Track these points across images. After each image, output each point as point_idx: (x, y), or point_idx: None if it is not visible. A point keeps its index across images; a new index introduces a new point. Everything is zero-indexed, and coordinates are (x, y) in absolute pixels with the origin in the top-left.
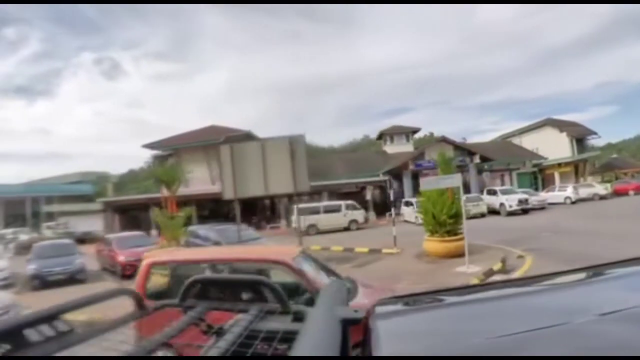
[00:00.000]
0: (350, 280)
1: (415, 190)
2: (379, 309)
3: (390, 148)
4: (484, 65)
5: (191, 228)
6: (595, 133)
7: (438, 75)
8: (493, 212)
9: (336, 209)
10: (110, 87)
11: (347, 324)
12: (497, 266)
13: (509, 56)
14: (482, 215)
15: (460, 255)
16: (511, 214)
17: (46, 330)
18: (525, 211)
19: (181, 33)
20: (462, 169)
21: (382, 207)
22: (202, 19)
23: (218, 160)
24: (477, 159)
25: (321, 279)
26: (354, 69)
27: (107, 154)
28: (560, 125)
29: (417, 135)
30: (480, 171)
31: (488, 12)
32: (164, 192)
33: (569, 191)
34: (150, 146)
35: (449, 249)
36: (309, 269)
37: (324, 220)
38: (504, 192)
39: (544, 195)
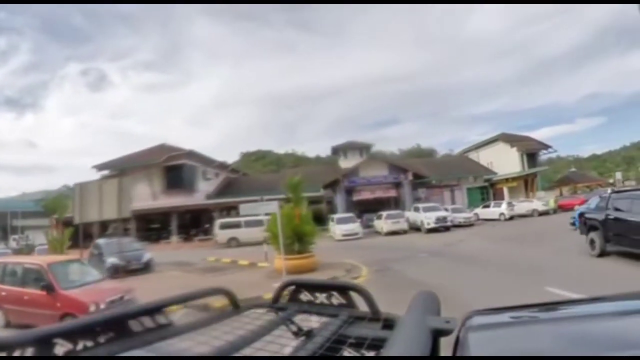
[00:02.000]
0: None
1: (349, 206)
2: (471, 321)
3: (344, 163)
4: (475, 77)
5: (98, 241)
6: (548, 147)
7: (428, 87)
8: (417, 229)
9: (257, 224)
10: (96, 98)
11: (438, 335)
12: None
13: (499, 68)
14: (404, 232)
15: (311, 270)
16: (432, 230)
17: (147, 322)
18: (447, 228)
19: (171, 43)
20: (396, 185)
21: (317, 222)
22: (192, 29)
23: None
24: (410, 176)
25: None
26: (345, 80)
27: (90, 166)
28: (512, 140)
29: (404, 147)
30: (415, 187)
31: (479, 23)
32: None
33: (503, 207)
34: (99, 167)
35: (296, 266)
36: (59, 271)
37: (244, 234)
38: (426, 210)
39: (480, 212)
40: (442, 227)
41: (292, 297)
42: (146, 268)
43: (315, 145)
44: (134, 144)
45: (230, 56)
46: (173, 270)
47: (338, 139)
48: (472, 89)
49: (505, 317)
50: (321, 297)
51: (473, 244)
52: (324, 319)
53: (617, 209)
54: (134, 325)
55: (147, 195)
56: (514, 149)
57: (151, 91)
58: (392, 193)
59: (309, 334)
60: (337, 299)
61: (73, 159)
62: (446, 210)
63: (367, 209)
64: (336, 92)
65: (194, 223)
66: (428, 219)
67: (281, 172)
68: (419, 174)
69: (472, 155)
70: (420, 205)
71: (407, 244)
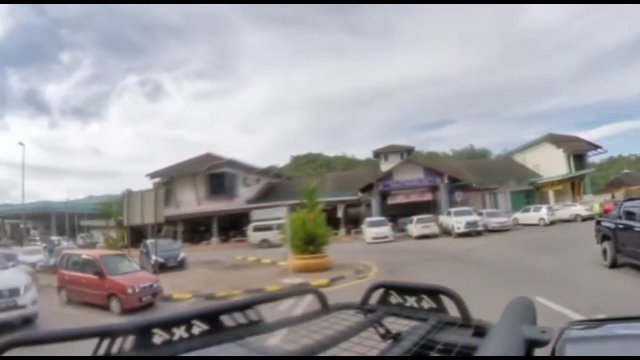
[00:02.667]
0: None
1: (383, 210)
2: (568, 333)
3: (385, 166)
4: (529, 74)
5: (146, 241)
6: (598, 147)
7: (481, 86)
8: (450, 233)
9: None
10: (153, 108)
11: (532, 346)
12: (324, 281)
13: (554, 64)
14: (435, 236)
15: (324, 269)
16: (462, 235)
17: (239, 317)
18: (478, 233)
19: (221, 52)
20: (433, 189)
21: (355, 225)
22: (241, 37)
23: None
24: (446, 180)
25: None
26: (394, 82)
27: (150, 171)
28: (558, 141)
29: (458, 148)
30: (452, 191)
31: (532, 18)
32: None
33: (543, 212)
34: (151, 175)
35: (309, 265)
36: (108, 261)
37: (275, 236)
38: (457, 214)
39: (520, 216)
40: (473, 232)
41: (382, 300)
42: (180, 265)
43: (365, 148)
44: (188, 151)
45: (279, 62)
46: (201, 268)
47: (389, 141)
48: (526, 86)
49: (603, 330)
50: (411, 300)
51: (493, 250)
52: (413, 323)
53: (628, 217)
54: (226, 320)
55: (192, 201)
56: (560, 150)
57: (203, 100)
58: (427, 197)
59: (397, 337)
60: (427, 302)
61: (133, 165)
62: (480, 214)
63: (402, 213)
64: (386, 93)
65: (234, 226)
66: (458, 223)
67: (324, 175)
68: (455, 177)
69: (519, 158)
70: (453, 210)
71: (430, 248)
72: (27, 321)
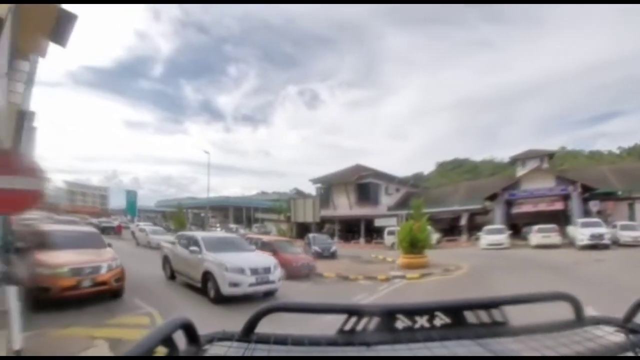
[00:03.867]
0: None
1: (507, 219)
2: None
3: (522, 173)
4: None
5: (308, 235)
6: None
7: None
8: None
9: None
10: (312, 115)
11: None
12: (416, 275)
13: None
14: (556, 247)
15: (422, 267)
16: (586, 247)
17: (483, 315)
18: (606, 246)
19: (368, 58)
20: (564, 198)
21: (479, 231)
22: (384, 43)
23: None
24: (579, 188)
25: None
26: (547, 72)
27: (312, 174)
28: None
29: (627, 145)
30: (587, 200)
31: None
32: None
33: None
34: (313, 180)
35: (412, 263)
36: (279, 244)
37: None
38: (584, 225)
39: None
40: (600, 245)
41: None
42: (332, 256)
43: (517, 150)
44: (343, 156)
45: (424, 63)
46: (345, 260)
47: (543, 140)
48: None
49: None
50: None
51: (604, 266)
52: None
53: None
54: (469, 316)
55: (345, 205)
56: None
57: (355, 107)
58: (557, 206)
59: None
60: None
61: (298, 166)
62: (614, 226)
63: (529, 222)
64: (539, 87)
65: (377, 229)
66: (582, 235)
67: (457, 185)
68: (590, 186)
69: None
70: (580, 220)
71: (538, 257)
72: (269, 294)
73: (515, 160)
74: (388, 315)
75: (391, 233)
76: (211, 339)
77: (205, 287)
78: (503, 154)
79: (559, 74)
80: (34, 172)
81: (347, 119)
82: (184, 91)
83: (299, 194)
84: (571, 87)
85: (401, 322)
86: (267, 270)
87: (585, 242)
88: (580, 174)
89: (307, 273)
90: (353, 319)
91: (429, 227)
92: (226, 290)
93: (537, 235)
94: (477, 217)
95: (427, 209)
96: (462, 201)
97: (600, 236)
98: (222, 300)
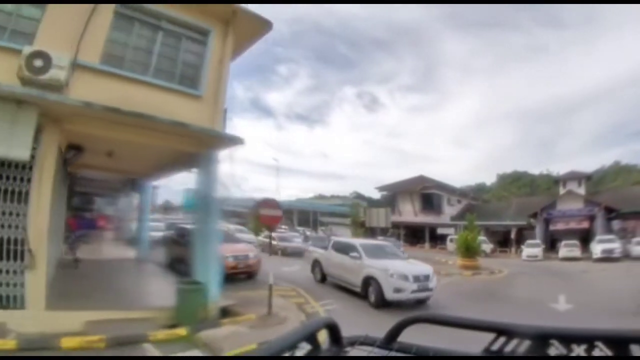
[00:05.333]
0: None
1: (546, 234)
2: None
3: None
4: None
5: (378, 237)
6: None
7: None
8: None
9: None
10: (373, 118)
11: None
12: (468, 274)
13: None
14: (577, 259)
15: (474, 269)
16: (600, 260)
17: None
18: (617, 259)
19: (427, 63)
20: (590, 218)
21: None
22: (443, 47)
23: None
24: (603, 209)
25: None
26: (611, 79)
27: (372, 177)
28: None
29: None
30: (610, 219)
31: None
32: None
33: None
34: (379, 188)
35: (466, 265)
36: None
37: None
38: (601, 241)
39: None
40: (611, 258)
41: None
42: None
43: (571, 162)
44: (403, 160)
45: (482, 69)
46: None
47: (599, 154)
48: None
49: None
50: None
51: (601, 275)
52: None
53: None
54: (636, 350)
55: (410, 212)
56: None
57: (415, 111)
58: (584, 225)
59: None
60: None
61: (357, 169)
62: (629, 242)
63: (562, 237)
64: (600, 93)
65: (440, 235)
66: (596, 249)
67: (509, 201)
68: (612, 208)
69: None
70: (598, 237)
71: (558, 266)
72: (420, 301)
73: (558, 181)
74: (541, 339)
75: (452, 240)
76: (353, 342)
77: (365, 291)
78: (558, 167)
79: (622, 80)
80: (279, 206)
81: (406, 123)
82: (238, 91)
83: (360, 198)
84: (629, 96)
85: (555, 349)
86: (427, 277)
87: (599, 255)
88: (615, 194)
89: None
90: (502, 339)
91: (484, 238)
92: (390, 295)
93: (563, 249)
94: (524, 231)
95: (484, 221)
96: (512, 217)
97: (611, 251)
98: (383, 304)
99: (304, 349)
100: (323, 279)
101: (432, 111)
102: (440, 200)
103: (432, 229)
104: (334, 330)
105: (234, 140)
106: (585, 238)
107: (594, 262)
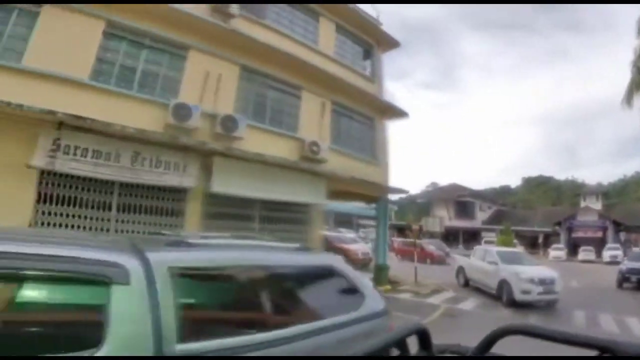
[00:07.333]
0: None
1: (569, 241)
2: None
3: (583, 205)
4: None
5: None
6: None
7: None
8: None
9: None
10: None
11: None
12: None
13: None
14: (592, 262)
15: None
16: (608, 263)
17: None
18: (618, 263)
19: (446, 63)
20: (603, 229)
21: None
22: (462, 47)
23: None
24: (612, 222)
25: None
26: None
27: (398, 178)
28: None
29: None
30: (618, 231)
31: None
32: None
33: None
34: (415, 197)
35: None
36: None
37: None
38: (608, 249)
39: None
40: (615, 262)
41: None
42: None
43: (596, 169)
44: (428, 163)
45: (504, 70)
46: None
47: (622, 164)
48: None
49: None
50: None
51: (601, 272)
52: None
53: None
54: None
55: (445, 217)
56: None
57: (436, 111)
58: (598, 234)
59: None
60: None
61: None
62: (630, 250)
63: (582, 244)
64: (618, 101)
65: (475, 239)
66: (605, 255)
67: (536, 209)
68: (618, 222)
69: None
70: (607, 245)
71: (574, 267)
72: (550, 304)
73: (579, 194)
74: None
75: (487, 242)
76: (444, 350)
77: (500, 292)
78: (583, 174)
79: None
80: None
81: (430, 123)
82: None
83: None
84: None
85: None
86: (552, 281)
87: (607, 259)
88: (623, 210)
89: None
90: (605, 357)
91: (516, 241)
92: (518, 296)
93: (582, 253)
94: (551, 237)
95: (514, 227)
96: (539, 224)
97: (615, 257)
98: (513, 304)
99: (393, 354)
100: (466, 283)
101: (452, 111)
102: (473, 207)
103: (465, 232)
104: (424, 337)
105: (399, 190)
106: (599, 245)
107: (604, 265)
